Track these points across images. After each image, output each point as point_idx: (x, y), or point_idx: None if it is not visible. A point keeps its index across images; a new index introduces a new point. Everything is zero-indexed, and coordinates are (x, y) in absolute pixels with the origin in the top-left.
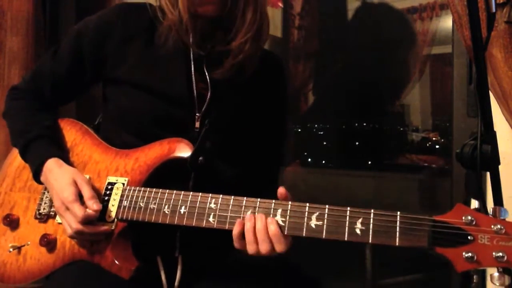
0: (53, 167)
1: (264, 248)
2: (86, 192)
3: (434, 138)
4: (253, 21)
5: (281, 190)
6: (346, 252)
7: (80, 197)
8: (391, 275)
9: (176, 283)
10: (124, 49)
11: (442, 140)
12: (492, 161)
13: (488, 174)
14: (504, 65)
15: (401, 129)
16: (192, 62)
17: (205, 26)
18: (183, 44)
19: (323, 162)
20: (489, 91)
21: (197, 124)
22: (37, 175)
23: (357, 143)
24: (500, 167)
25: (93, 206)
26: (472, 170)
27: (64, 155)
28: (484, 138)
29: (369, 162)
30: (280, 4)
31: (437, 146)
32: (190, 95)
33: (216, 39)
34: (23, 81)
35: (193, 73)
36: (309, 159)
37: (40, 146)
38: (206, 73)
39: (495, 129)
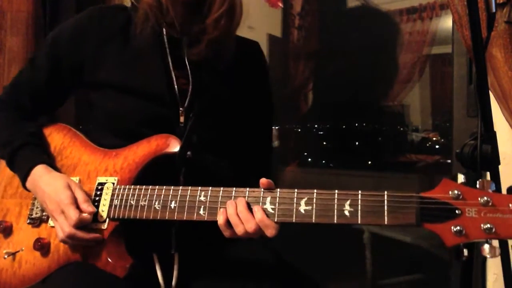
0: (42, 174)
1: (250, 226)
2: (80, 196)
3: (434, 138)
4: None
5: (262, 181)
6: (346, 252)
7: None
8: (391, 275)
9: (174, 281)
10: (101, 52)
11: (442, 140)
12: (492, 161)
13: (488, 174)
14: (504, 65)
15: (401, 129)
16: (169, 57)
17: (182, 10)
18: (159, 28)
19: (323, 162)
20: (489, 91)
21: (182, 119)
22: (24, 183)
23: (357, 143)
24: (500, 167)
25: (88, 208)
26: (472, 170)
27: (51, 160)
28: (484, 138)
29: (369, 162)
30: (280, 4)
31: (437, 146)
32: (171, 91)
33: (193, 25)
34: (3, 92)
35: (171, 68)
36: (309, 159)
37: (26, 154)
38: (186, 61)
39: (495, 129)
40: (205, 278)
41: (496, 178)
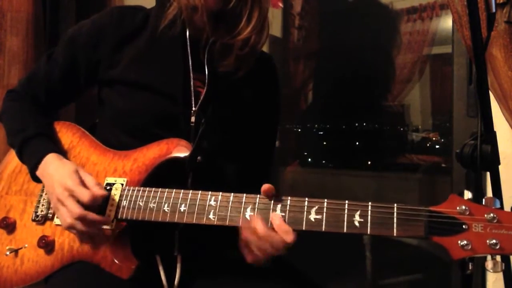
0: (53, 161)
1: (272, 241)
2: (91, 180)
3: (434, 138)
4: (258, 21)
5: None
6: (346, 252)
7: None
8: (391, 275)
9: (176, 282)
10: (118, 51)
11: (442, 140)
12: (492, 161)
13: (488, 174)
14: (504, 65)
15: (401, 129)
16: (190, 58)
17: (207, 19)
18: (183, 29)
19: (323, 162)
20: (489, 91)
21: (193, 119)
22: (34, 171)
23: (357, 143)
24: (500, 167)
25: (99, 191)
26: (472, 170)
27: (62, 155)
28: (484, 138)
29: (369, 162)
30: (280, 4)
31: (437, 146)
32: (186, 91)
33: (218, 33)
34: (19, 84)
35: (190, 69)
36: (309, 159)
37: (39, 143)
38: (206, 66)
39: (495, 129)
40: (207, 279)
41: (496, 178)
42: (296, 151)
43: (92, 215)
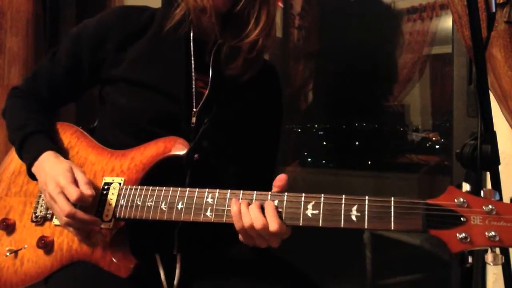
0: (49, 157)
1: (258, 223)
2: (82, 179)
3: (434, 138)
4: (266, 24)
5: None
6: (346, 252)
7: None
8: (391, 275)
9: (176, 281)
10: (122, 50)
11: (442, 140)
12: (492, 161)
13: (488, 174)
14: (504, 65)
15: (401, 129)
16: (193, 59)
17: (215, 20)
18: (188, 30)
19: (323, 162)
20: (489, 91)
21: (193, 120)
22: (31, 168)
23: (357, 143)
24: (500, 167)
25: (87, 191)
26: (472, 170)
27: (60, 154)
28: (484, 138)
29: (369, 162)
30: (280, 4)
31: (437, 146)
32: (188, 91)
33: (225, 35)
34: (23, 81)
35: (193, 69)
36: (309, 159)
37: (38, 140)
38: (211, 67)
39: (495, 129)
40: (206, 278)
41: (496, 178)
42: (296, 151)
43: (80, 214)
